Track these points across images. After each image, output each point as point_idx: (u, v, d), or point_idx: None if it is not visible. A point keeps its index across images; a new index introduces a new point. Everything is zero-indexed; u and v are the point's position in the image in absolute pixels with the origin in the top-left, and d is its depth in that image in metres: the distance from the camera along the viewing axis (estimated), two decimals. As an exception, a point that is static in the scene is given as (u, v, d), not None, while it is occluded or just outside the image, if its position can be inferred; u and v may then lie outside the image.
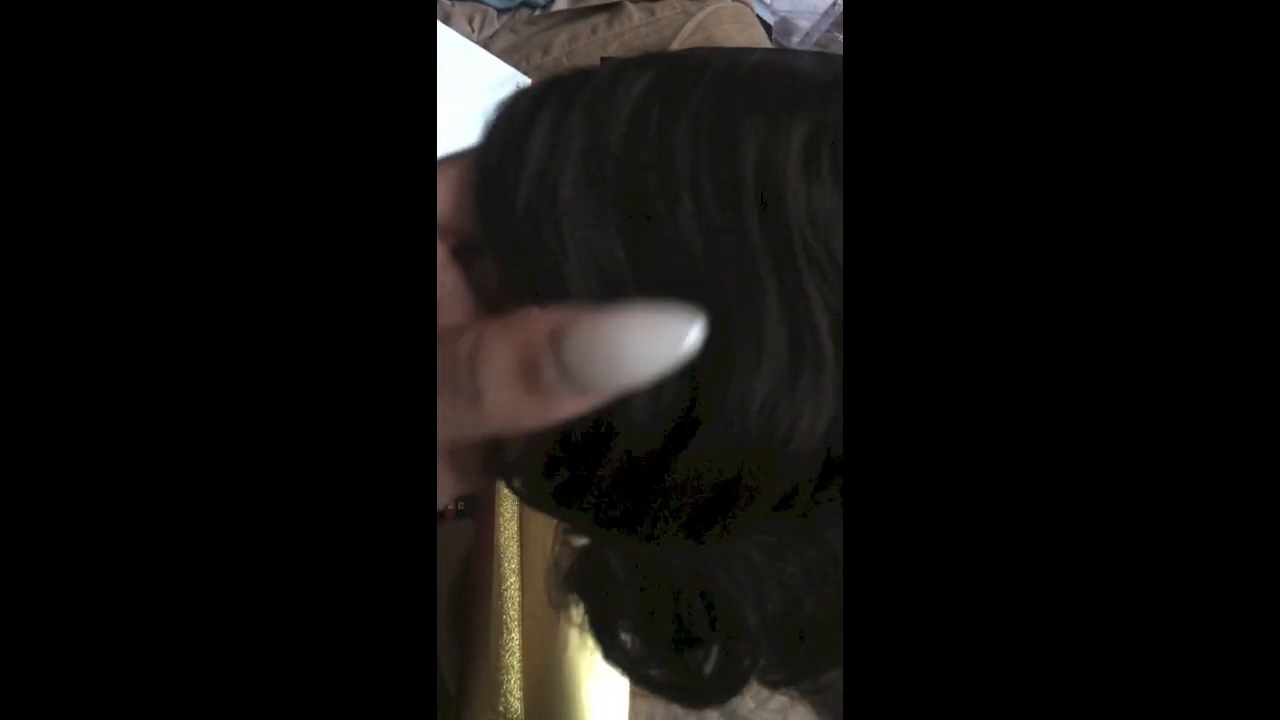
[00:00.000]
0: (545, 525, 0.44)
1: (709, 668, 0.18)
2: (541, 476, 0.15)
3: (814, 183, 0.15)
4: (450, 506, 0.47)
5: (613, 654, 0.19)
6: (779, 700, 0.42)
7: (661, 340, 0.13)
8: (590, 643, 0.19)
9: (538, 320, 0.14)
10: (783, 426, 0.14)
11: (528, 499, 0.16)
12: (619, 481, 0.15)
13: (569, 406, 0.13)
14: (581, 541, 0.19)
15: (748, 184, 0.15)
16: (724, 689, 0.18)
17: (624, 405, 0.14)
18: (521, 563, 0.43)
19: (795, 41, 0.91)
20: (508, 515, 0.44)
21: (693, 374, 0.14)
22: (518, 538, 0.43)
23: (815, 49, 0.85)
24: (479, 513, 0.45)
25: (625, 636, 0.18)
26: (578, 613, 0.19)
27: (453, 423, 0.14)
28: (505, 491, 0.39)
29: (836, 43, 0.89)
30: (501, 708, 0.40)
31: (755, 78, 0.16)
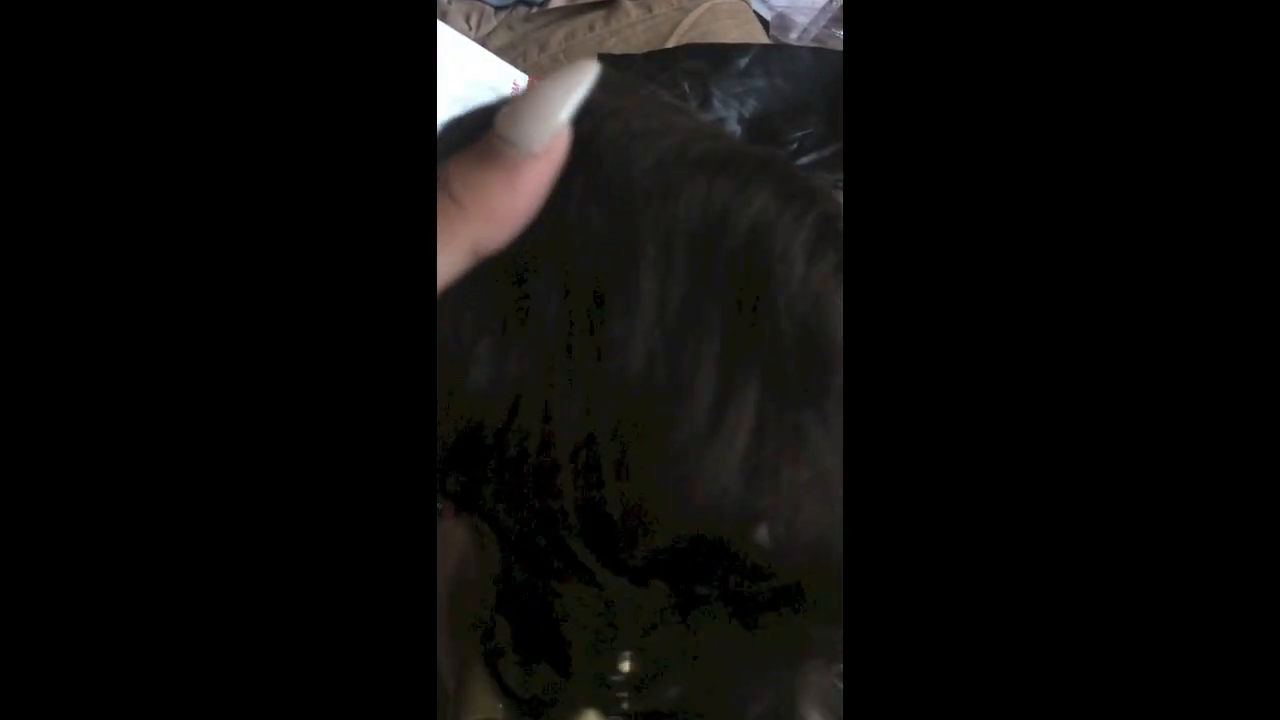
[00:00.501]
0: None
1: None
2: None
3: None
4: (448, 506, 0.47)
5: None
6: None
7: (569, 86, 0.16)
8: None
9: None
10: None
11: None
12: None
13: (528, 171, 0.15)
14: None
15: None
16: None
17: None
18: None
19: (793, 38, 0.91)
20: (506, 513, 0.43)
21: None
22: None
23: (812, 45, 0.85)
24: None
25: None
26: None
27: (443, 234, 0.16)
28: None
29: (834, 39, 0.88)
30: (500, 706, 0.40)
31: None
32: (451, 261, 0.16)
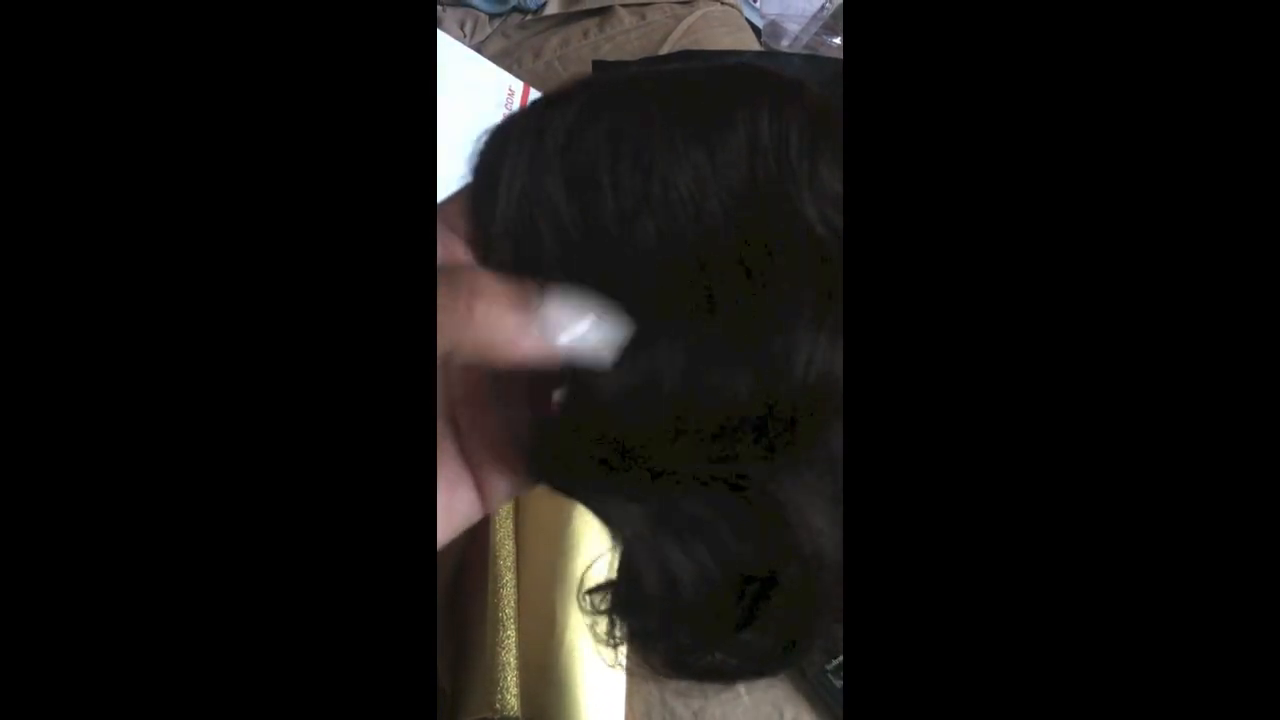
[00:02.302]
0: (540, 524, 0.44)
1: (768, 640, 0.19)
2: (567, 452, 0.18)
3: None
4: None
5: (652, 658, 0.20)
6: (773, 696, 0.42)
7: (602, 334, 0.17)
8: (619, 652, 0.20)
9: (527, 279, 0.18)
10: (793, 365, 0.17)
11: (568, 485, 0.19)
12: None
13: (531, 345, 0.17)
14: (612, 562, 0.20)
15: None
16: (793, 655, 0.19)
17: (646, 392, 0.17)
18: (517, 560, 0.43)
19: (784, 45, 0.91)
20: (503, 513, 0.44)
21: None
22: (513, 535, 0.43)
23: (804, 52, 0.86)
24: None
25: (668, 640, 0.19)
26: (610, 628, 0.20)
27: (446, 330, 0.17)
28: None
29: (826, 45, 0.89)
30: (498, 705, 0.40)
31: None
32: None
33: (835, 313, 0.17)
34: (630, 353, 0.17)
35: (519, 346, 0.17)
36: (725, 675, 0.19)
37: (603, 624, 0.20)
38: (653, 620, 0.19)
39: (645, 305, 0.18)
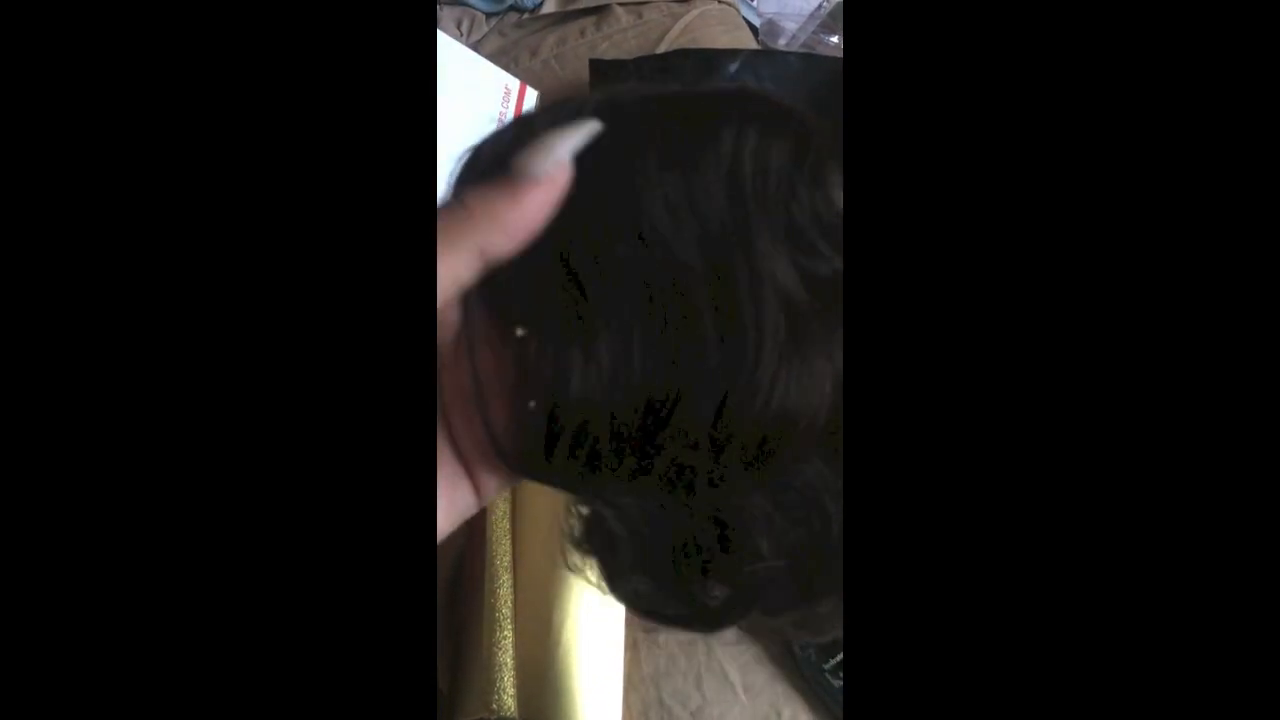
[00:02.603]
0: (537, 522, 0.44)
1: (716, 594, 0.21)
2: (541, 451, 0.19)
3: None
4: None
5: (631, 600, 0.22)
6: (771, 696, 0.42)
7: (573, 130, 0.19)
8: (608, 595, 0.22)
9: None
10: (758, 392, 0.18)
11: (528, 469, 0.20)
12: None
13: (531, 193, 0.18)
14: (585, 511, 0.22)
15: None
16: (733, 612, 0.21)
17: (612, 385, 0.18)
18: (514, 560, 0.43)
19: (781, 44, 0.91)
20: (500, 513, 0.44)
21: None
22: (510, 535, 0.43)
23: (801, 50, 0.86)
24: (471, 511, 0.45)
25: (637, 583, 0.21)
26: (593, 573, 0.22)
27: (444, 235, 0.18)
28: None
29: (823, 44, 0.89)
30: (495, 705, 0.40)
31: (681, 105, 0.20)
32: (460, 260, 0.18)
33: (802, 355, 0.18)
34: (603, 353, 0.18)
35: (520, 204, 0.18)
36: (681, 622, 0.21)
37: (589, 570, 0.22)
38: (616, 560, 0.21)
39: (618, 314, 0.18)
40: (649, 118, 0.20)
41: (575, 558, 0.22)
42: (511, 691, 0.40)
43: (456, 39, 0.68)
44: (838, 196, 0.19)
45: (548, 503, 0.44)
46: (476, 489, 0.22)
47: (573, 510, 0.22)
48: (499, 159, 0.19)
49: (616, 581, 0.22)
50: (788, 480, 0.19)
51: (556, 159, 0.19)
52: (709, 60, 0.62)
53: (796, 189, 0.19)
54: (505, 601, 0.41)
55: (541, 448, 0.19)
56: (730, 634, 0.43)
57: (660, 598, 0.21)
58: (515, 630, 0.41)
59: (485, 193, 0.18)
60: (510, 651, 0.40)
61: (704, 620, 0.21)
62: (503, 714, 0.39)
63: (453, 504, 0.21)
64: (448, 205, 0.18)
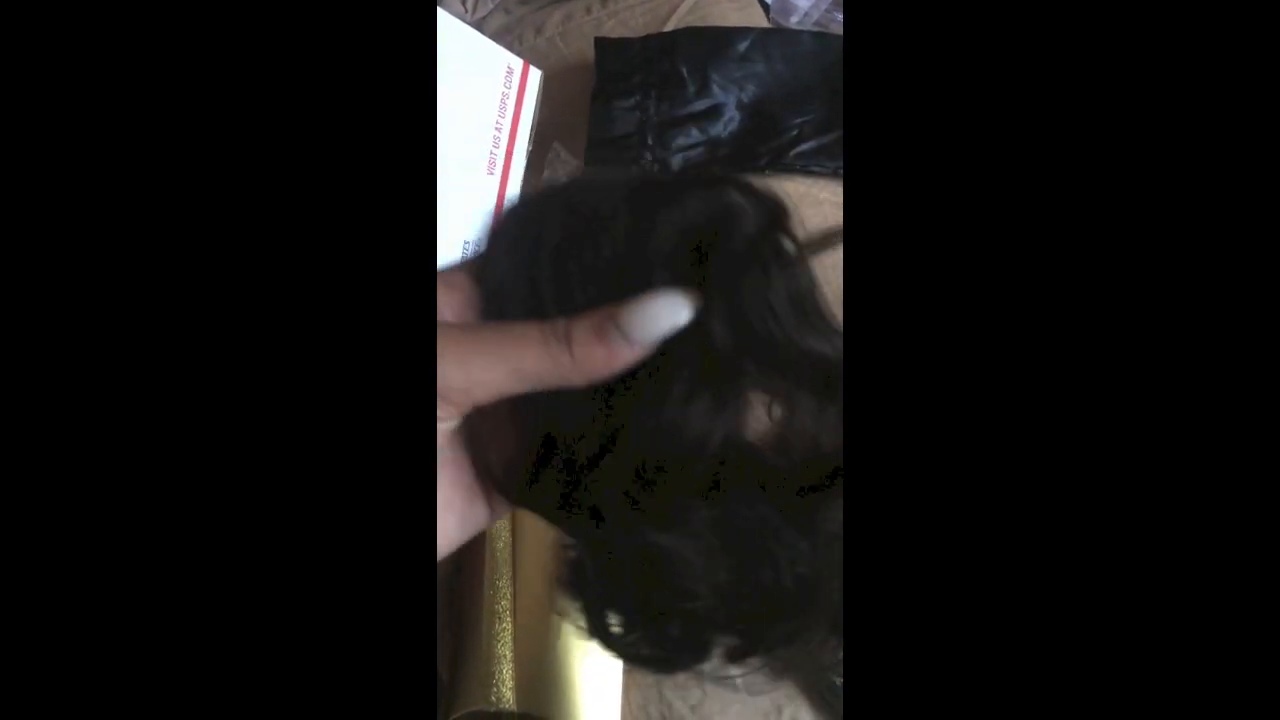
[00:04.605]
0: (535, 519, 0.44)
1: (675, 635, 0.21)
2: (526, 484, 0.21)
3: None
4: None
5: (608, 642, 0.23)
6: (771, 693, 0.42)
7: (671, 311, 0.19)
8: (591, 638, 0.23)
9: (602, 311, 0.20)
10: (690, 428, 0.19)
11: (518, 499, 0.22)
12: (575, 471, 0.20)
13: (623, 355, 0.19)
14: (571, 552, 0.22)
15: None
16: (687, 654, 0.22)
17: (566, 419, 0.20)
18: (513, 554, 0.43)
19: (794, 21, 0.90)
20: (498, 505, 0.43)
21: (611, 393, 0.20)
22: (510, 529, 0.43)
23: (814, 29, 0.84)
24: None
25: (613, 622, 0.22)
26: (576, 615, 0.23)
27: (552, 372, 0.19)
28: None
29: (836, 22, 0.87)
30: (494, 697, 0.40)
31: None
32: (514, 378, 0.19)
33: (737, 402, 0.19)
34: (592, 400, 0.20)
35: (613, 363, 0.19)
36: (651, 664, 0.22)
37: (574, 612, 0.23)
38: (592, 602, 0.22)
39: None
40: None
41: (561, 601, 0.23)
42: (510, 683, 0.40)
43: (461, 16, 0.67)
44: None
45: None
46: (490, 506, 0.23)
47: (560, 551, 0.23)
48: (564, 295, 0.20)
49: (595, 624, 0.22)
50: (728, 520, 0.20)
51: (661, 334, 0.19)
52: (718, 38, 0.60)
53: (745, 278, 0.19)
54: (505, 594, 0.41)
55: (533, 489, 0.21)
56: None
57: (633, 638, 0.22)
58: (515, 623, 0.41)
59: (591, 347, 0.19)
60: (509, 644, 0.40)
61: (666, 662, 0.22)
62: (501, 706, 0.39)
63: (470, 517, 0.23)
64: (531, 321, 0.19)
